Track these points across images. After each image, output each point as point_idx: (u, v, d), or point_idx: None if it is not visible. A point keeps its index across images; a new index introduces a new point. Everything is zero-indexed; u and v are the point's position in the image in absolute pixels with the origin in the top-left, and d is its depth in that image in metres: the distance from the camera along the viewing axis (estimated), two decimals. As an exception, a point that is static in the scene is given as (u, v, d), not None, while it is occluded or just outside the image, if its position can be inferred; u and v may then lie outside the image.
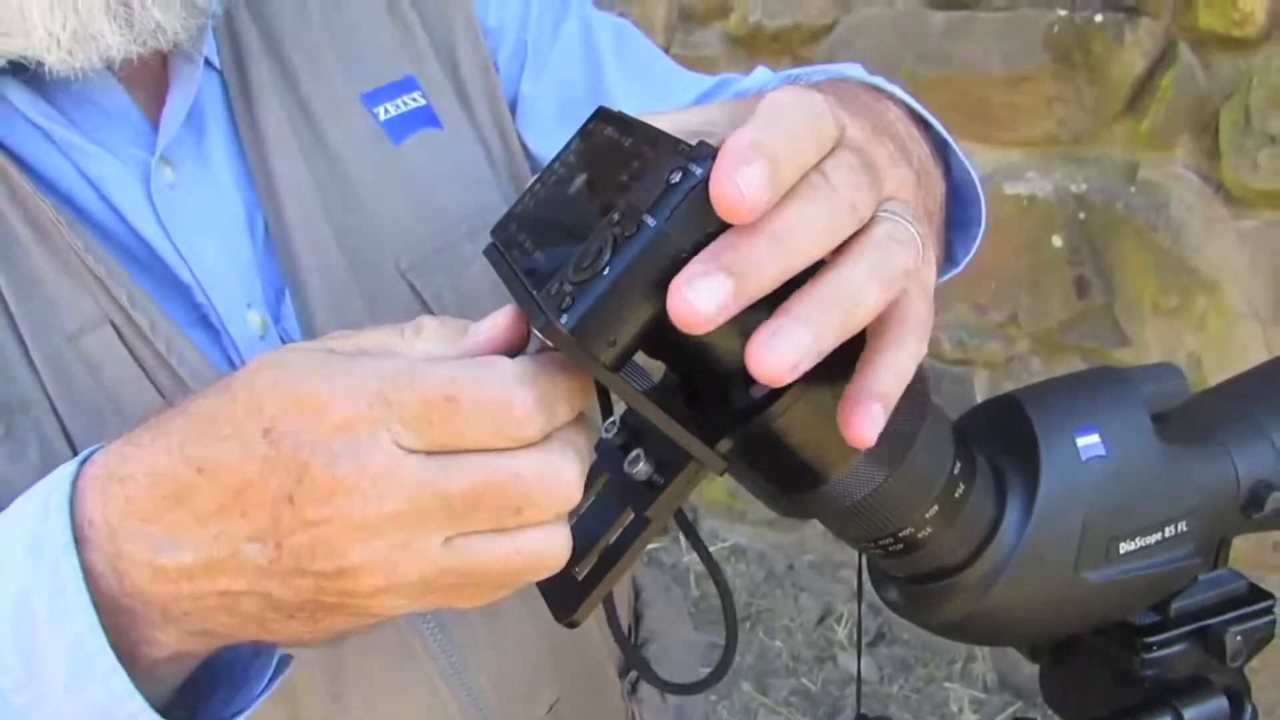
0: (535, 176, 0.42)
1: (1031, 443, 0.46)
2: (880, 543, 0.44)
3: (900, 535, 0.44)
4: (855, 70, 0.67)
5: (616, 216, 0.34)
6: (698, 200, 0.32)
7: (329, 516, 0.36)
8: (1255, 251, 1.58)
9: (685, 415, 0.37)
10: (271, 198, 0.62)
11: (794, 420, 0.38)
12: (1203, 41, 1.55)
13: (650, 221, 0.33)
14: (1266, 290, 1.58)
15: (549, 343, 0.35)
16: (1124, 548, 0.47)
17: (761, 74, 0.75)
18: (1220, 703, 0.52)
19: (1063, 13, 1.66)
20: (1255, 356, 1.62)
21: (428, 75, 0.69)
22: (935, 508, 0.43)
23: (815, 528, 2.39)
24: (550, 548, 0.38)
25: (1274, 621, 0.53)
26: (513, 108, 0.73)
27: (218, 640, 0.43)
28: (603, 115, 0.41)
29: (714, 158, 0.32)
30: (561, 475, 0.37)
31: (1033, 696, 2.05)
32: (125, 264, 0.57)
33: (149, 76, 0.60)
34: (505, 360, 0.37)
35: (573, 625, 0.40)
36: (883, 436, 0.40)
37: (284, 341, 0.62)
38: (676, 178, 0.33)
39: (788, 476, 0.42)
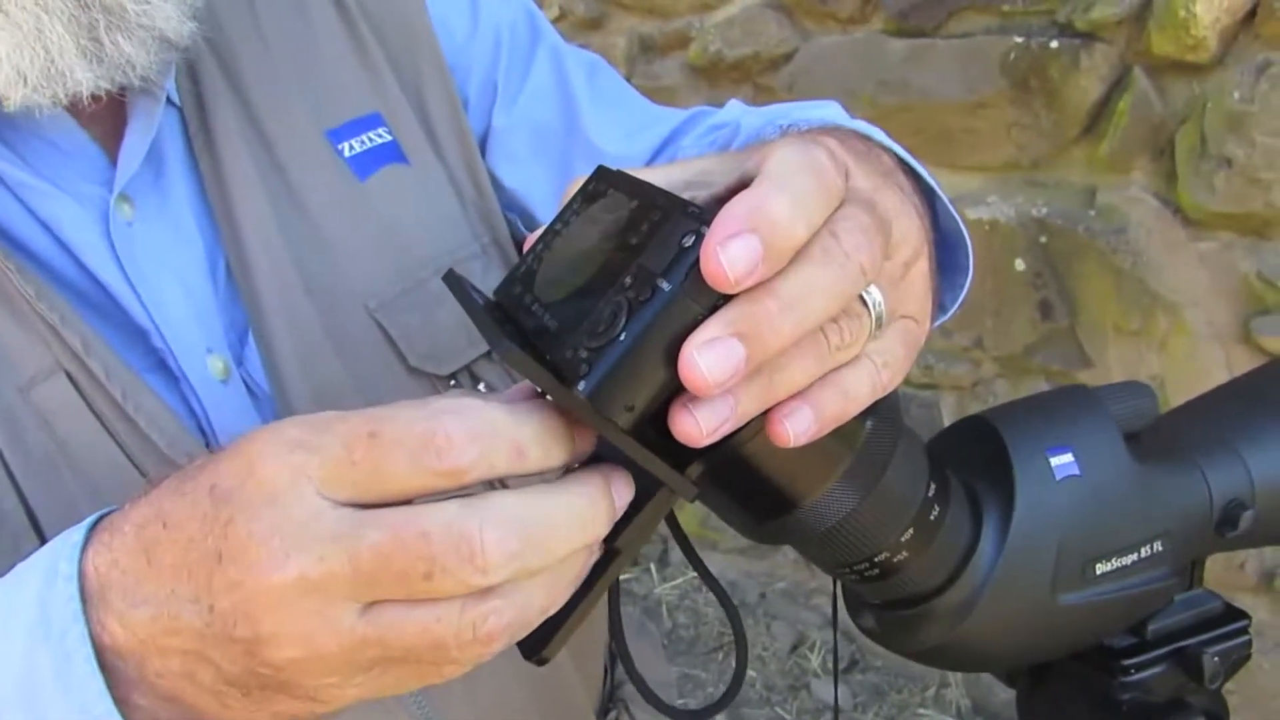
0: (537, 236, 0.41)
1: (1005, 463, 0.46)
2: (856, 568, 0.43)
3: (876, 560, 0.43)
4: (835, 110, 0.67)
5: (629, 280, 0.34)
6: None
7: (243, 579, 0.35)
8: (1215, 273, 1.60)
9: (654, 442, 0.36)
10: (233, 237, 0.60)
11: (765, 444, 0.38)
12: (1157, 67, 1.58)
13: (665, 286, 0.33)
14: (1227, 311, 1.60)
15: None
16: (1100, 569, 0.46)
17: (736, 107, 0.74)
18: (1200, 725, 0.51)
19: (1019, 39, 1.68)
20: (1217, 377, 1.63)
21: (394, 111, 0.67)
22: (910, 531, 0.42)
23: (787, 555, 2.38)
24: (477, 617, 0.35)
25: (1250, 641, 0.53)
26: (484, 143, 0.72)
27: (189, 713, 0.41)
28: (603, 175, 0.41)
29: None
30: (474, 539, 0.33)
31: (1006, 721, 2.05)
32: (79, 309, 0.55)
33: (106, 113, 0.58)
34: (469, 398, 0.36)
35: (542, 663, 0.39)
36: (856, 460, 0.40)
37: (247, 386, 0.60)
38: (689, 241, 0.33)
39: (760, 502, 0.41)
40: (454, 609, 0.35)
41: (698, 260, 0.32)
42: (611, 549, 0.39)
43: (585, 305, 0.35)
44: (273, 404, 0.60)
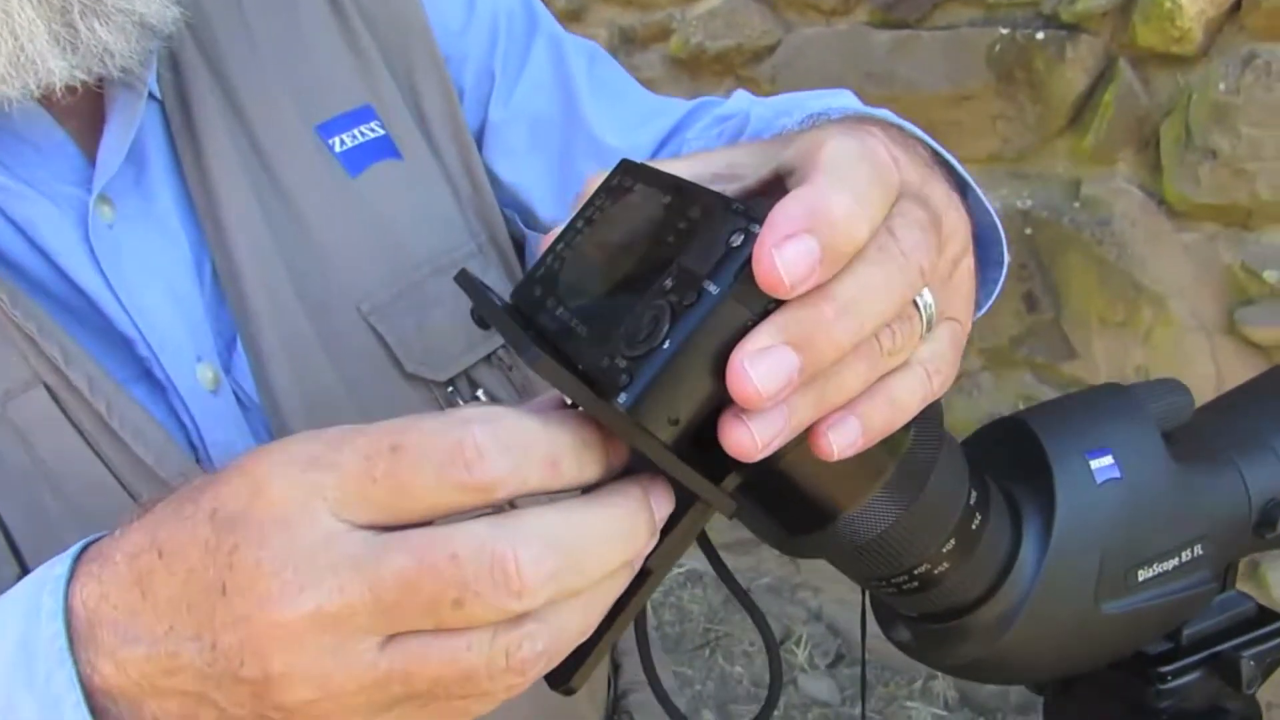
0: (557, 234, 0.38)
1: (1044, 466, 0.44)
2: (894, 580, 0.42)
3: (915, 572, 0.41)
4: (850, 98, 0.64)
5: (670, 282, 0.31)
6: None
7: (251, 613, 0.32)
8: (1199, 264, 1.59)
9: (688, 454, 0.34)
10: (220, 238, 0.57)
11: (805, 454, 0.35)
12: (1142, 58, 1.57)
13: (712, 289, 0.30)
14: (1211, 302, 1.60)
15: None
16: (1142, 575, 0.44)
17: (743, 97, 0.72)
18: (1238, 732, 0.50)
19: (1004, 31, 1.67)
20: (1202, 368, 1.63)
21: (387, 104, 0.64)
22: (952, 541, 0.41)
23: (771, 549, 2.37)
24: (510, 644, 0.32)
25: (1286, 643, 0.51)
26: (480, 136, 0.69)
27: None
28: (628, 168, 0.38)
29: None
30: (508, 560, 0.30)
31: (993, 713, 2.05)
32: (58, 317, 0.52)
33: (83, 107, 0.55)
34: (496, 406, 0.33)
35: (569, 693, 0.36)
36: (898, 469, 0.38)
37: (237, 396, 0.57)
38: (738, 240, 0.30)
39: (796, 514, 0.39)
40: (485, 636, 0.32)
41: (748, 261, 0.30)
42: (642, 569, 0.37)
43: (619, 309, 0.32)
44: (263, 414, 0.57)
